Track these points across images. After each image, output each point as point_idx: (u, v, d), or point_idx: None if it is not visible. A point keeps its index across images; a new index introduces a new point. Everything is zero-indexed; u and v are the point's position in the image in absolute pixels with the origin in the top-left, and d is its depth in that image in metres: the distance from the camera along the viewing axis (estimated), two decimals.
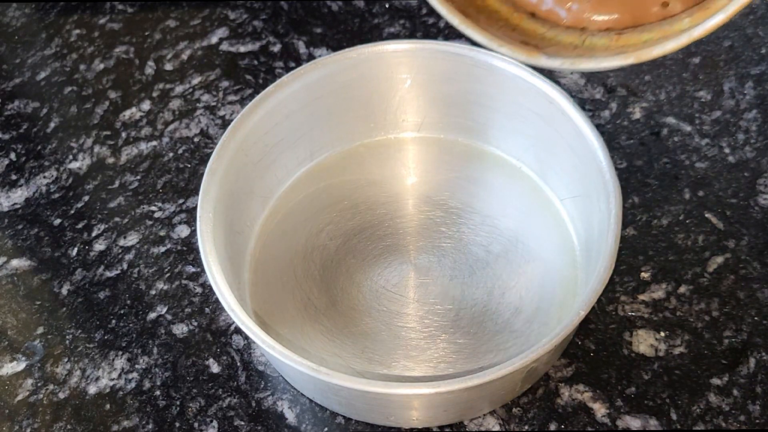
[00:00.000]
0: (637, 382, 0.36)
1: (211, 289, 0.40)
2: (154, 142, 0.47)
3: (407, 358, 0.37)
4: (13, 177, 0.47)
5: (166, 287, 0.41)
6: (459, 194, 0.42)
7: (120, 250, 0.43)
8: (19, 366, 0.39)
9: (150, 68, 0.51)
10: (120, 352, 0.39)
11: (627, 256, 0.40)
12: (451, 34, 0.51)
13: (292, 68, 0.43)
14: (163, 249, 0.43)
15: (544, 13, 0.34)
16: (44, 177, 0.46)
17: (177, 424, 0.37)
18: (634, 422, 0.35)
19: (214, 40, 0.52)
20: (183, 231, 0.43)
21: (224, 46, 0.52)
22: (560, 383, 0.37)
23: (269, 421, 0.36)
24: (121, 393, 0.38)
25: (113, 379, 0.38)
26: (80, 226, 0.44)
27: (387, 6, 0.53)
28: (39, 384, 0.38)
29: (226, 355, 0.39)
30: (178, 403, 0.37)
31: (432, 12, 0.52)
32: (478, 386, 0.30)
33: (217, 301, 0.40)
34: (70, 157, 0.47)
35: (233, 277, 0.38)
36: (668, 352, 0.37)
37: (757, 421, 0.35)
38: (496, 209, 0.41)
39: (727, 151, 0.44)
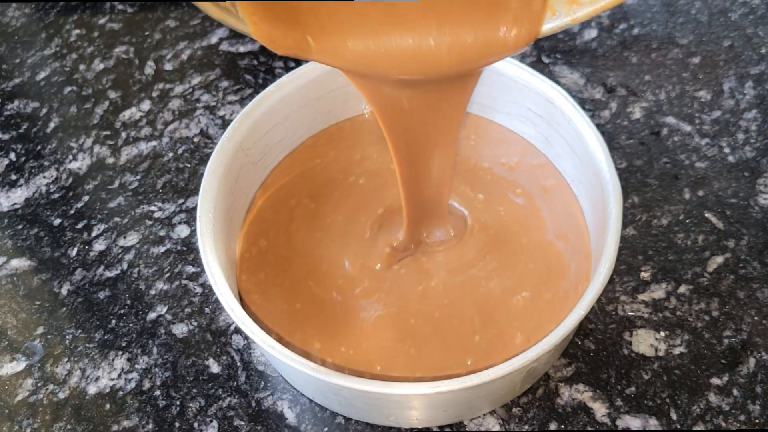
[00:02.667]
0: (636, 381, 0.36)
1: (211, 289, 0.40)
2: (154, 142, 0.47)
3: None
4: (13, 177, 0.47)
5: (166, 287, 0.41)
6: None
7: (120, 250, 0.43)
8: (19, 366, 0.39)
9: (150, 68, 0.51)
10: (120, 352, 0.39)
11: (627, 256, 0.40)
12: None
13: (292, 68, 0.43)
14: (163, 249, 0.43)
15: None
16: (44, 177, 0.46)
17: (177, 424, 0.37)
18: (634, 422, 0.35)
19: (213, 40, 0.52)
20: (183, 231, 0.43)
21: (224, 46, 0.52)
22: (560, 383, 0.37)
23: (269, 421, 0.36)
24: (121, 393, 0.38)
25: (113, 379, 0.38)
26: (80, 226, 0.44)
27: None
28: (39, 384, 0.38)
29: (226, 355, 0.39)
30: (178, 403, 0.37)
31: None
32: (478, 386, 0.30)
33: (217, 301, 0.40)
34: (70, 157, 0.47)
35: (233, 277, 0.38)
36: (668, 352, 0.37)
37: (757, 420, 0.35)
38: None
39: (726, 150, 0.44)
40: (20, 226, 0.44)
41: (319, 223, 0.40)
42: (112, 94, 0.50)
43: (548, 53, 0.50)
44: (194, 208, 0.44)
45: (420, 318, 0.37)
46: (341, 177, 0.42)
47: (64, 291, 0.42)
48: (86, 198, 0.45)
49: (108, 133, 0.48)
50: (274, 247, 0.39)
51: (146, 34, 0.53)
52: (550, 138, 0.41)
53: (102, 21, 0.54)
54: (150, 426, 0.37)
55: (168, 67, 0.51)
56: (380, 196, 0.41)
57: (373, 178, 0.42)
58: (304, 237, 0.39)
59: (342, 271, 0.38)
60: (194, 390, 0.38)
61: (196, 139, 0.47)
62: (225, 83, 0.50)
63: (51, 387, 0.38)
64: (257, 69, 0.50)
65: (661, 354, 0.37)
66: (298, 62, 0.50)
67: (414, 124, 0.32)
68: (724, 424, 0.35)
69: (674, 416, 0.36)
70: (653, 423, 0.35)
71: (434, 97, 0.31)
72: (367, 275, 0.38)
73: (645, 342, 0.38)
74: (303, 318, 0.37)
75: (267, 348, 0.32)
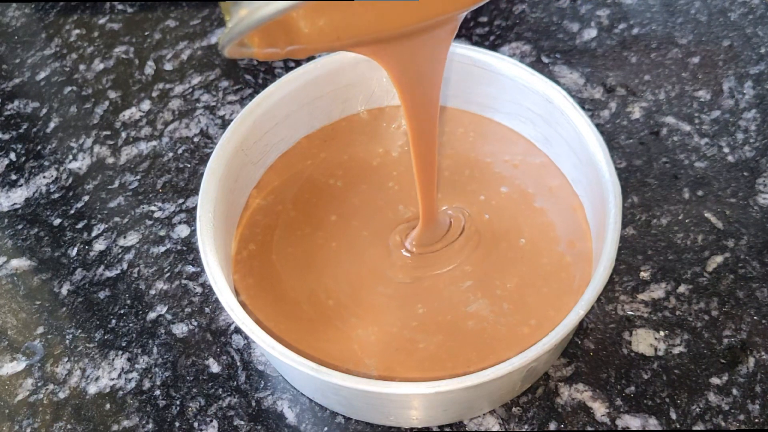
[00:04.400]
0: (636, 381, 0.37)
1: (211, 289, 0.41)
2: (154, 142, 0.47)
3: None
4: (13, 177, 0.47)
5: (166, 287, 0.41)
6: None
7: (120, 250, 0.43)
8: (19, 366, 0.39)
9: (150, 68, 0.51)
10: (120, 352, 0.39)
11: (626, 255, 0.40)
12: None
13: (292, 68, 0.43)
14: (163, 249, 0.43)
15: None
16: (44, 177, 0.46)
17: (177, 424, 0.37)
18: (634, 421, 0.35)
19: (213, 40, 0.52)
20: (183, 231, 0.43)
21: None
22: (560, 383, 0.37)
23: (269, 421, 0.37)
24: (121, 393, 0.38)
25: (113, 379, 0.38)
26: (80, 226, 0.44)
27: None
28: (39, 384, 0.38)
29: (226, 354, 0.39)
30: (178, 402, 0.37)
31: None
32: (477, 386, 0.30)
33: (217, 301, 0.40)
34: (70, 157, 0.47)
35: (233, 277, 0.38)
36: (668, 352, 0.37)
37: (757, 420, 0.35)
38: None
39: (726, 150, 0.44)
40: (20, 226, 0.44)
41: (292, 237, 0.40)
42: (112, 94, 0.50)
43: (548, 53, 0.50)
44: (194, 208, 0.44)
45: (414, 344, 0.36)
46: (322, 179, 0.42)
47: (64, 291, 0.42)
48: (86, 198, 0.45)
49: (108, 133, 0.48)
50: (260, 254, 0.39)
51: (146, 34, 0.53)
52: (549, 138, 0.41)
53: (102, 21, 0.54)
54: (150, 426, 0.37)
55: (168, 67, 0.51)
56: (350, 200, 0.41)
57: (350, 179, 0.42)
58: (283, 248, 0.39)
59: (319, 284, 0.38)
60: (194, 390, 0.38)
61: (196, 139, 0.47)
62: (225, 83, 0.50)
63: (51, 387, 0.38)
64: (257, 69, 0.50)
65: (660, 353, 0.37)
66: (298, 62, 0.50)
67: (418, 76, 0.33)
68: (723, 424, 0.35)
69: (674, 416, 0.36)
70: (653, 422, 0.35)
71: (429, 45, 0.31)
72: (343, 294, 0.38)
73: (644, 342, 0.38)
74: (293, 327, 0.37)
75: (267, 348, 0.32)
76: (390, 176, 0.42)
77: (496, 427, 0.36)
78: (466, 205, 0.40)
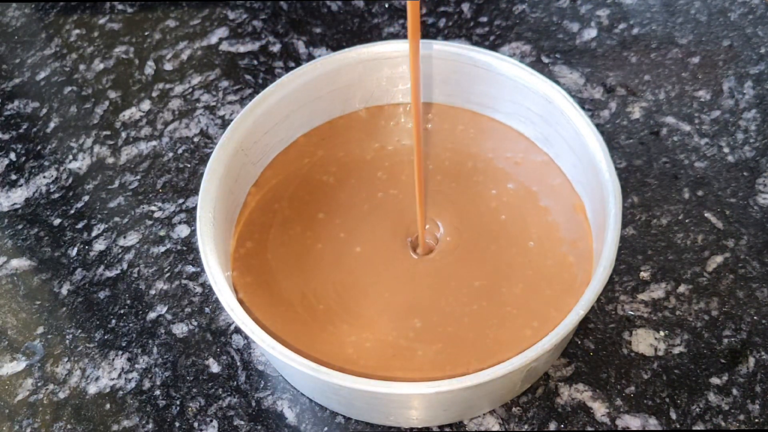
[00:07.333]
0: (636, 381, 0.37)
1: (211, 289, 0.41)
2: (154, 142, 0.47)
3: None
4: (13, 177, 0.47)
5: (166, 287, 0.41)
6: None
7: (120, 250, 0.43)
8: (19, 366, 0.39)
9: (150, 68, 0.51)
10: (120, 352, 0.39)
11: (626, 255, 0.40)
12: (450, 34, 0.51)
13: (292, 68, 0.43)
14: (163, 249, 0.43)
15: None
16: (44, 177, 0.46)
17: (177, 424, 0.37)
18: (634, 421, 0.36)
19: (213, 40, 0.52)
20: (183, 231, 0.43)
21: (224, 46, 0.52)
22: (560, 383, 0.37)
23: (269, 421, 0.37)
24: (121, 393, 0.38)
25: (113, 379, 0.38)
26: (80, 226, 0.44)
27: (386, 6, 0.53)
28: (39, 384, 0.38)
29: (226, 354, 0.39)
30: (178, 402, 0.37)
31: (431, 12, 0.52)
32: (477, 386, 0.30)
33: (217, 301, 0.40)
34: (70, 157, 0.47)
35: (231, 274, 0.38)
36: (668, 352, 0.37)
37: (757, 420, 0.35)
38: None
39: (726, 150, 0.44)
40: (20, 226, 0.44)
41: (285, 236, 0.40)
42: (112, 94, 0.50)
43: (548, 53, 0.50)
44: (194, 208, 0.44)
45: (411, 346, 0.36)
46: (317, 176, 0.42)
47: (64, 291, 0.42)
48: (86, 198, 0.45)
49: (108, 133, 0.48)
50: (257, 252, 0.39)
51: (146, 34, 0.53)
52: (549, 138, 0.41)
53: (102, 21, 0.54)
54: (150, 426, 0.37)
55: (168, 67, 0.51)
56: (337, 196, 0.41)
57: (342, 175, 0.42)
58: (277, 247, 0.39)
59: (308, 287, 0.38)
60: (194, 390, 0.38)
61: (196, 139, 0.47)
62: (225, 83, 0.50)
63: (51, 387, 0.38)
64: (257, 69, 0.50)
65: (660, 353, 0.37)
66: (298, 62, 0.50)
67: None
68: (723, 424, 0.35)
69: (674, 416, 0.36)
70: (653, 422, 0.35)
71: None
72: (331, 300, 0.38)
73: (644, 341, 0.38)
74: (289, 328, 0.37)
75: (267, 348, 0.32)
76: (381, 167, 0.42)
77: (496, 427, 0.36)
78: (479, 200, 0.40)
